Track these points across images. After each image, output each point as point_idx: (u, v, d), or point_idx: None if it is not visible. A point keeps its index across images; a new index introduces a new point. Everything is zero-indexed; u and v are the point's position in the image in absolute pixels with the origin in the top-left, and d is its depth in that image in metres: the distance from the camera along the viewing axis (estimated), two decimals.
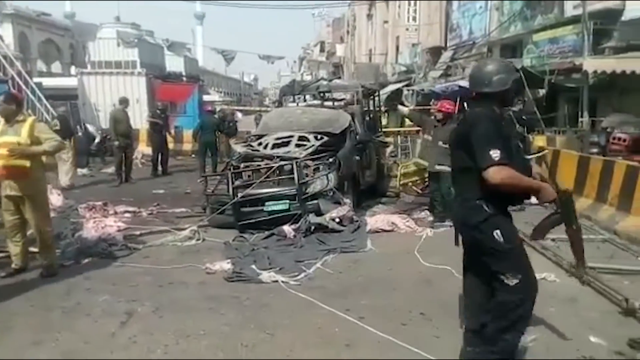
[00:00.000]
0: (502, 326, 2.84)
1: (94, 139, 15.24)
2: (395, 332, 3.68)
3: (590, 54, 12.12)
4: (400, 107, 10.23)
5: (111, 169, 11.86)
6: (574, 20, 13.30)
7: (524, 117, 9.58)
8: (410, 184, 9.36)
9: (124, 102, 11.94)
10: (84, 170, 12.58)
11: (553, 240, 5.99)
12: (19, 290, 4.60)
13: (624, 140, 9.94)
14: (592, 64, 11.49)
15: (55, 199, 7.95)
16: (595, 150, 10.14)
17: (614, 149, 9.92)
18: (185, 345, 3.57)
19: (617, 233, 6.30)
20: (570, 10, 13.68)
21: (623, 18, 12.07)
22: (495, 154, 2.69)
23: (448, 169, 6.69)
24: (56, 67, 37.63)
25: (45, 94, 16.10)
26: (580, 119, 11.65)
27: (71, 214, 7.37)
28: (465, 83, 15.29)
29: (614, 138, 10.12)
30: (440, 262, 5.31)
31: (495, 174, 2.69)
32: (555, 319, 3.90)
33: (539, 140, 12.04)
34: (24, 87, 14.60)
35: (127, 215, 7.56)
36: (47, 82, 20.09)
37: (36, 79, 18.80)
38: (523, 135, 9.24)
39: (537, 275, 4.69)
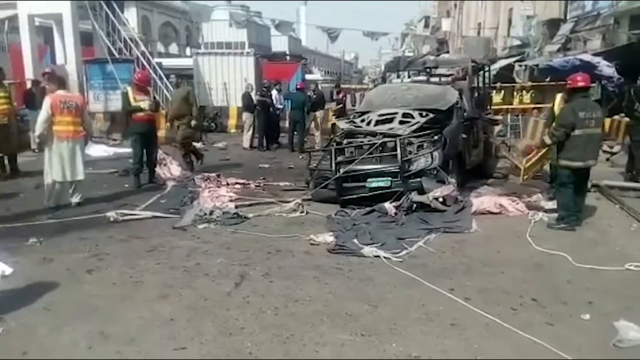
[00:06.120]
0: None
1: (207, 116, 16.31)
2: (504, 317, 3.56)
3: None
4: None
5: (222, 144, 12.62)
6: None
7: None
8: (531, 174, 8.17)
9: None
10: (198, 145, 13.52)
11: None
12: (148, 251, 5.11)
13: None
14: None
15: (175, 169, 8.69)
16: None
17: None
18: (293, 309, 3.76)
19: None
20: None
21: None
22: None
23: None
24: (173, 48, 40.37)
25: (164, 73, 17.39)
26: None
27: (188, 183, 8.04)
28: (588, 57, 13.93)
29: None
30: (554, 247, 5.02)
31: None
32: None
33: None
34: (147, 66, 15.89)
35: (237, 186, 8.04)
36: (165, 62, 21.65)
37: (157, 60, 20.37)
38: None
39: None
